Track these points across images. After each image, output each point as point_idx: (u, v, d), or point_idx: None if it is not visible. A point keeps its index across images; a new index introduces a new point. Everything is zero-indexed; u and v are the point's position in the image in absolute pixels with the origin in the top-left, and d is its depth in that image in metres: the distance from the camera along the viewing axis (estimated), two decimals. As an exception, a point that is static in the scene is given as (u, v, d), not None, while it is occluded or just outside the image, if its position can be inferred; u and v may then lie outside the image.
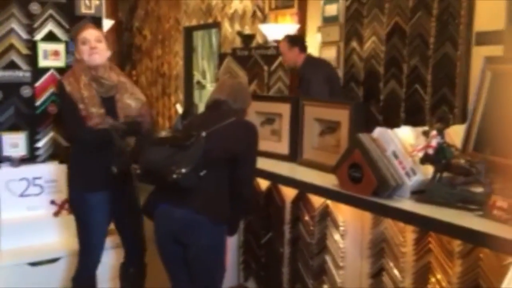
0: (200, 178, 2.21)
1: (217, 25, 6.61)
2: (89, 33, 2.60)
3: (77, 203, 2.63)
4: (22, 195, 3.01)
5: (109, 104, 2.56)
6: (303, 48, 4.37)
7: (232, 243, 2.45)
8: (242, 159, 2.33)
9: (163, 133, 2.36)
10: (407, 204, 2.23)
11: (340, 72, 4.64)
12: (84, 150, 2.57)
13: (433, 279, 2.23)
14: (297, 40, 4.41)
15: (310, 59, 4.39)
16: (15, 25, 3.09)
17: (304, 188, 2.77)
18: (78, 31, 2.73)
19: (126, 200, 2.71)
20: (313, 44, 5.02)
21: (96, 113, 2.50)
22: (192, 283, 2.41)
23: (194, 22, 7.15)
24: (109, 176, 2.52)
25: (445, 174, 2.24)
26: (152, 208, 2.35)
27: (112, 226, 2.81)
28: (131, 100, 2.62)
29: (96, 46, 2.56)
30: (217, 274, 2.43)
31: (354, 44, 4.50)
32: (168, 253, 2.39)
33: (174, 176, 2.15)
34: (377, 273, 2.49)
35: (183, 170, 2.15)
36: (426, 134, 2.23)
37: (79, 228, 2.66)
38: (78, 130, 2.52)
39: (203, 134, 2.23)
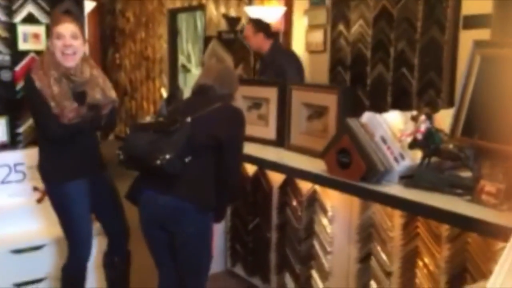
0: (185, 164, 2.18)
1: (202, 7, 6.50)
2: (65, 28, 2.41)
3: (56, 196, 2.55)
4: (3, 182, 2.95)
5: (79, 98, 2.45)
6: (269, 34, 4.22)
7: (218, 229, 2.42)
8: (227, 146, 2.28)
9: (147, 118, 2.31)
10: (396, 189, 2.23)
11: (327, 56, 4.61)
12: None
13: (420, 263, 2.24)
14: (262, 25, 4.24)
15: (279, 48, 4.29)
16: (-8, 7, 3.00)
17: (292, 173, 2.75)
18: (54, 22, 2.58)
19: (105, 186, 2.67)
20: (300, 27, 4.97)
21: (68, 108, 2.39)
22: (178, 270, 2.40)
23: (178, 4, 7.03)
24: (86, 163, 2.50)
25: (433, 159, 2.24)
26: (137, 195, 2.33)
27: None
28: (101, 96, 2.52)
29: (71, 44, 2.40)
30: (204, 261, 2.41)
31: (341, 27, 4.46)
32: (154, 240, 2.38)
33: (158, 162, 2.12)
34: (365, 258, 2.50)
35: (167, 156, 2.12)
36: (414, 119, 2.22)
37: (63, 221, 2.58)
38: (51, 129, 2.41)
39: (188, 119, 2.19)
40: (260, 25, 4.22)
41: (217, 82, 2.38)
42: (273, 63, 4.05)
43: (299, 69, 4.09)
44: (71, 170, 2.49)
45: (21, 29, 3.09)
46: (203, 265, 2.41)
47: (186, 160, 2.18)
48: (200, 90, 2.40)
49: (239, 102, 3.05)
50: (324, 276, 2.71)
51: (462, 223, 1.94)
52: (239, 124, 2.37)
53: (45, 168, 2.55)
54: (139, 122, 2.31)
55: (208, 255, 2.42)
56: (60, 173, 2.49)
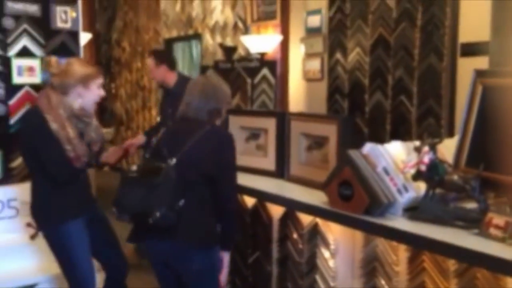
0: (179, 211, 2.14)
1: (198, 36, 6.53)
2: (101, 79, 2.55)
3: (57, 237, 2.47)
4: (-4, 218, 2.89)
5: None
6: (172, 65, 4.14)
7: (228, 260, 2.37)
8: (219, 177, 2.23)
9: (134, 167, 2.21)
10: (400, 222, 2.17)
11: (324, 84, 4.60)
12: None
13: (428, 299, 2.16)
14: (164, 56, 4.19)
15: (186, 79, 4.01)
16: (-13, 41, 2.98)
17: (293, 206, 2.69)
18: (94, 74, 2.54)
19: (100, 221, 2.65)
20: (297, 56, 4.97)
21: (83, 153, 2.40)
22: None
23: (174, 34, 7.06)
24: (84, 199, 2.49)
25: (438, 191, 2.19)
26: (138, 240, 2.33)
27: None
28: (94, 134, 2.53)
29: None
30: None
31: (338, 55, 4.46)
32: (162, 277, 2.39)
33: (151, 220, 2.10)
34: (370, 293, 2.42)
35: (158, 214, 2.09)
36: (418, 150, 2.17)
37: (65, 262, 2.51)
38: (64, 174, 2.39)
39: (173, 162, 2.14)
40: (162, 57, 4.13)
41: (203, 95, 2.30)
42: (182, 95, 3.89)
43: None
44: (72, 209, 2.46)
45: (16, 63, 3.07)
46: None
47: (180, 204, 2.14)
48: (183, 116, 2.32)
49: (235, 132, 3.01)
50: (328, 312, 2.62)
51: (470, 258, 1.88)
52: (229, 151, 2.29)
53: (44, 210, 2.47)
54: (127, 175, 2.22)
55: None
56: (62, 212, 2.44)
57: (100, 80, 2.52)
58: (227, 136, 2.33)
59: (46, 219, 2.48)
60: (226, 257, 2.35)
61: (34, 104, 2.54)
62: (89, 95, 2.47)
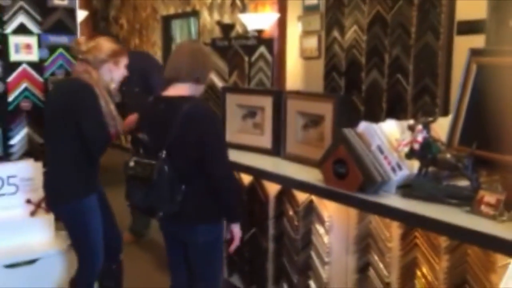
0: (181, 199, 2.20)
1: (195, 13, 6.48)
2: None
3: (78, 211, 2.50)
4: (-4, 195, 2.91)
5: None
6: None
7: (238, 231, 2.43)
8: (208, 158, 2.21)
9: (131, 163, 2.22)
10: (393, 200, 2.21)
11: (322, 62, 4.59)
12: (88, 153, 2.46)
13: (419, 274, 2.21)
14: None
15: (134, 53, 4.05)
16: (-16, 18, 2.97)
17: (289, 183, 2.72)
18: (122, 52, 2.60)
19: (103, 196, 2.72)
20: (294, 34, 4.95)
21: (120, 129, 2.52)
22: (190, 276, 2.45)
23: (171, 11, 7.01)
24: (98, 175, 2.57)
25: (431, 169, 2.22)
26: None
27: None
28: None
29: None
30: (215, 268, 2.44)
31: (336, 33, 4.45)
32: (170, 248, 2.48)
33: (157, 217, 2.28)
34: (363, 268, 2.47)
35: (161, 214, 2.22)
36: (411, 128, 2.20)
37: (82, 235, 2.56)
38: (103, 149, 2.45)
39: (163, 155, 2.15)
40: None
41: (191, 60, 2.24)
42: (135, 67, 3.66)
43: (158, 65, 4.01)
44: (94, 183, 2.54)
45: (13, 40, 3.06)
46: (214, 273, 2.44)
47: (181, 191, 2.19)
48: (170, 80, 2.27)
49: (232, 111, 3.00)
50: (322, 286, 2.68)
51: (461, 235, 1.92)
52: (212, 130, 2.23)
53: (70, 184, 2.48)
54: (127, 171, 2.24)
55: (220, 263, 2.48)
56: (87, 186, 2.50)
57: (126, 59, 2.59)
58: (208, 116, 2.24)
59: (73, 192, 2.48)
60: (235, 228, 2.39)
61: (74, 77, 2.53)
62: (117, 73, 2.53)
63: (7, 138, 3.08)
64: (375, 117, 3.84)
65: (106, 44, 2.53)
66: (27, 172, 2.98)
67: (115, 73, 2.52)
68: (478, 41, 3.31)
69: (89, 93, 2.39)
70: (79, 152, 2.43)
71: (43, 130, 2.64)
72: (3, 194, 2.93)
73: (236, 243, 2.40)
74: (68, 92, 2.43)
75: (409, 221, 2.14)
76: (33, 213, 2.94)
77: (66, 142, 2.42)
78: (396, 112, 3.84)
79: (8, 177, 2.94)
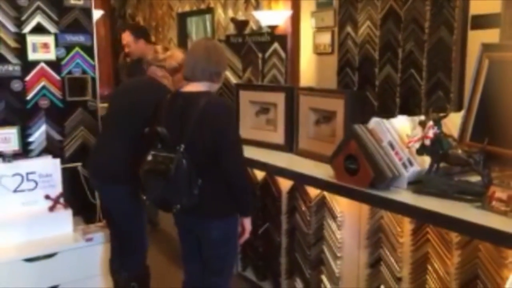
0: (198, 193, 2.23)
1: (210, 10, 6.52)
2: None
3: (131, 198, 2.57)
4: (15, 191, 2.98)
5: None
6: (149, 39, 4.28)
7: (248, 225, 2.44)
8: (223, 154, 2.22)
9: (149, 157, 2.25)
10: (404, 196, 2.22)
11: (335, 58, 4.59)
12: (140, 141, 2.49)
13: (431, 269, 2.22)
14: (142, 32, 4.30)
15: None
16: (2, 18, 3.03)
17: (301, 179, 2.75)
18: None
19: None
20: (307, 30, 4.96)
21: None
22: (203, 269, 2.47)
23: (187, 8, 7.05)
24: None
25: (442, 165, 2.23)
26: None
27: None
28: None
29: None
30: (228, 262, 2.47)
31: (349, 29, 4.45)
32: (184, 240, 2.52)
33: (174, 211, 2.27)
34: (375, 263, 2.49)
35: (178, 207, 2.24)
36: (422, 124, 2.20)
37: (134, 223, 2.72)
38: None
39: (181, 148, 2.18)
40: (139, 32, 4.25)
41: (206, 57, 2.28)
42: None
43: None
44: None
45: (31, 39, 3.12)
46: (227, 267, 2.47)
47: (198, 185, 2.22)
48: (187, 79, 2.33)
49: (245, 107, 3.02)
50: (334, 281, 2.71)
51: (472, 231, 1.92)
52: (229, 122, 2.25)
53: (124, 171, 2.57)
54: (144, 166, 2.27)
55: (233, 257, 2.52)
56: (133, 175, 2.49)
57: None
58: (224, 109, 2.25)
59: (122, 181, 2.59)
60: (246, 222, 2.42)
61: (155, 79, 2.69)
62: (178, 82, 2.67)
63: (26, 135, 3.14)
64: (389, 112, 3.84)
65: (179, 55, 2.73)
66: (45, 168, 3.05)
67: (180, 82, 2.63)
68: (492, 35, 3.28)
69: (164, 92, 2.52)
70: (133, 142, 2.53)
71: (108, 113, 2.78)
72: (22, 190, 3.00)
73: (245, 236, 2.43)
74: (154, 91, 2.59)
75: (420, 217, 2.15)
76: (51, 209, 3.00)
77: (135, 132, 2.49)
78: (409, 107, 3.82)
79: (27, 173, 3.01)
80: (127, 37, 4.22)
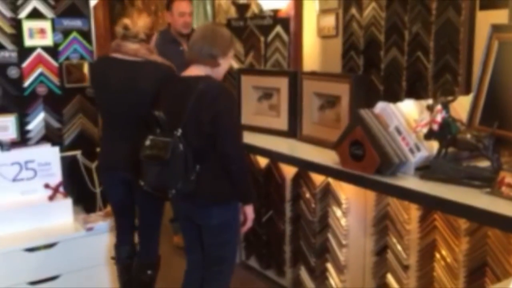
0: (195, 178, 2.19)
1: (211, -7, 6.40)
2: None
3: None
4: (14, 180, 2.93)
5: None
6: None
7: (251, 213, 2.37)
8: (220, 134, 2.17)
9: (147, 142, 2.23)
10: (411, 182, 2.16)
11: (339, 41, 4.49)
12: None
13: (438, 257, 2.18)
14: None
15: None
16: (-3, 3, 2.96)
17: (305, 166, 2.69)
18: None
19: None
20: (311, 12, 4.85)
21: None
22: (204, 258, 2.45)
23: (187, -9, 6.93)
24: None
25: (450, 150, 2.16)
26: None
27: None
28: None
29: None
30: (228, 251, 2.43)
31: (353, 11, 4.33)
32: (185, 229, 2.50)
33: (170, 195, 2.23)
34: (381, 251, 2.44)
35: (173, 191, 2.20)
36: (430, 108, 2.13)
37: (158, 213, 2.69)
38: None
39: (178, 133, 2.14)
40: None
41: (202, 39, 2.24)
42: None
43: None
44: None
45: (27, 25, 3.05)
46: (228, 255, 2.43)
47: (196, 170, 2.19)
48: (187, 61, 2.29)
49: (248, 92, 2.95)
50: (340, 269, 2.66)
51: (481, 218, 1.87)
52: (227, 106, 2.19)
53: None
54: (143, 152, 2.24)
55: (234, 245, 2.46)
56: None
57: None
58: (222, 93, 2.20)
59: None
60: (247, 210, 2.36)
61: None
62: None
63: (24, 123, 3.08)
64: (395, 96, 3.74)
65: (146, 19, 2.60)
66: (44, 156, 3.00)
67: None
68: (501, 16, 3.18)
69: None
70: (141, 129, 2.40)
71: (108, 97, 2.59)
72: (21, 179, 2.95)
73: (248, 225, 2.38)
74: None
75: (428, 203, 2.09)
76: (51, 198, 2.96)
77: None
78: (416, 91, 3.73)
79: (26, 162, 2.96)
80: (186, 7, 4.05)
